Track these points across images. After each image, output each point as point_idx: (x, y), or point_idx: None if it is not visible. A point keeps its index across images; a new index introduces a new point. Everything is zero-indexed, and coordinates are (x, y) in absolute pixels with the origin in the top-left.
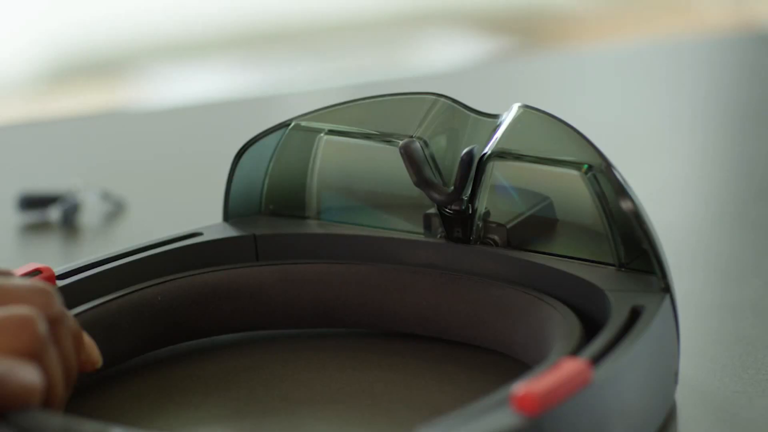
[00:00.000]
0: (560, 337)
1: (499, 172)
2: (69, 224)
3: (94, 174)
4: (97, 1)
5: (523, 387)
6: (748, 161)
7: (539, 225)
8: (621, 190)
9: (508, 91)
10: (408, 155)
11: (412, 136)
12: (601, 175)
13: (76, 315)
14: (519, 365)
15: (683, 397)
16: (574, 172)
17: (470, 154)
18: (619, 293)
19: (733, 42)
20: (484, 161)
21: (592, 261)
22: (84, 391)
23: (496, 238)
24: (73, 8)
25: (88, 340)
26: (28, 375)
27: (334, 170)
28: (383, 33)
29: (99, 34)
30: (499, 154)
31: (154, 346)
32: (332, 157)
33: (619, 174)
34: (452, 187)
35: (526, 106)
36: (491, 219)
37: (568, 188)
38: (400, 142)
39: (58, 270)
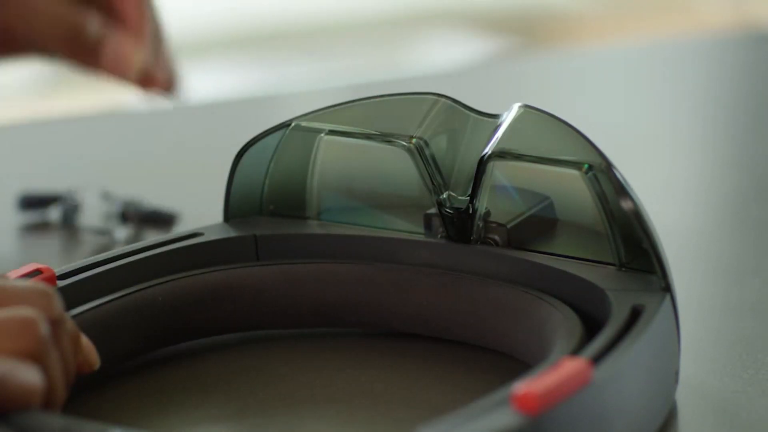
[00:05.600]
0: (561, 336)
1: (499, 172)
2: (69, 224)
3: (94, 174)
4: None
5: (523, 386)
6: (748, 161)
7: (540, 225)
8: (621, 190)
9: (509, 91)
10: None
11: (412, 136)
12: (602, 174)
13: (77, 315)
14: (519, 365)
15: (683, 397)
16: (575, 172)
17: None
18: (620, 293)
19: (733, 42)
20: (484, 161)
21: (593, 261)
22: (84, 391)
23: (496, 238)
24: None
25: (85, 341)
26: (30, 376)
27: (334, 170)
28: (383, 33)
29: None
30: (500, 154)
31: (155, 346)
32: (332, 158)
33: (620, 174)
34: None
35: (527, 106)
36: (492, 219)
37: (569, 188)
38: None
39: (58, 270)
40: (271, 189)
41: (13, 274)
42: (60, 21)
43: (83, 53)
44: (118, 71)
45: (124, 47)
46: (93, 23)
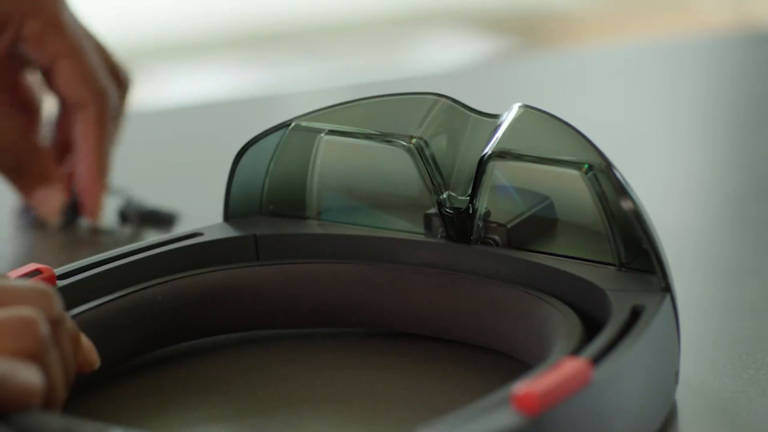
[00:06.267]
0: (561, 336)
1: (499, 172)
2: (69, 224)
3: None
4: (95, 2)
5: (523, 386)
6: (748, 161)
7: (540, 225)
8: (621, 190)
9: (509, 91)
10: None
11: (412, 136)
12: (602, 174)
13: (77, 315)
14: (519, 365)
15: (683, 397)
16: (575, 172)
17: None
18: (620, 293)
19: (733, 42)
20: (484, 161)
21: (593, 261)
22: (84, 391)
23: (496, 238)
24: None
25: (85, 341)
26: (30, 376)
27: (334, 170)
28: (383, 33)
29: (97, 34)
30: (500, 154)
31: (155, 346)
32: (332, 158)
33: (620, 174)
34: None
35: (527, 106)
36: (492, 219)
37: (569, 188)
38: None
39: (58, 270)
40: (271, 189)
41: (13, 274)
42: (10, 152)
43: (22, 180)
44: (41, 206)
45: (57, 192)
46: (41, 158)
